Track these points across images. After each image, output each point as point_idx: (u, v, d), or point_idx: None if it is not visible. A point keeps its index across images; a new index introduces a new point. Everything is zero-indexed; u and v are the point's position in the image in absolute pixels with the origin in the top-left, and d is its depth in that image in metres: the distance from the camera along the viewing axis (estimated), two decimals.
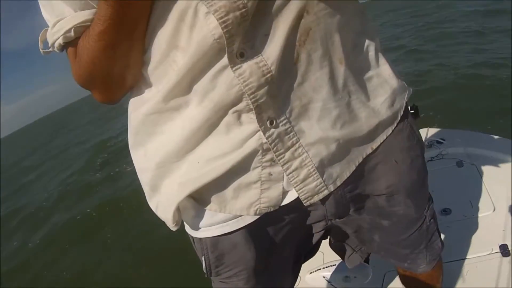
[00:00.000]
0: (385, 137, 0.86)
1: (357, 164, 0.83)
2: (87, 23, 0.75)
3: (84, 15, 0.76)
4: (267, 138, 0.74)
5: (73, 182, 9.18)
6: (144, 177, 0.86)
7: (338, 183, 0.81)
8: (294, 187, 0.78)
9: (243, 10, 0.67)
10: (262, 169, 0.77)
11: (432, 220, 1.01)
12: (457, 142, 2.41)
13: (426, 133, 2.54)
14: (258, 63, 0.70)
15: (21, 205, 9.23)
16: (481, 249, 1.65)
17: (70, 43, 0.79)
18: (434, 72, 7.03)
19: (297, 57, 0.73)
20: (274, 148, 0.75)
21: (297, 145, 0.76)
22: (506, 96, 4.78)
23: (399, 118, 0.88)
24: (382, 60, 0.87)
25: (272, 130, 0.74)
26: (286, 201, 0.80)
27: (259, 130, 0.73)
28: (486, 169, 2.11)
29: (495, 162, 2.13)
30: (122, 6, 0.68)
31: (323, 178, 0.79)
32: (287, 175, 0.77)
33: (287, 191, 0.80)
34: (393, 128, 0.87)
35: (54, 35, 0.79)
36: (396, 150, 0.88)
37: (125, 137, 0.95)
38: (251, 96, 0.71)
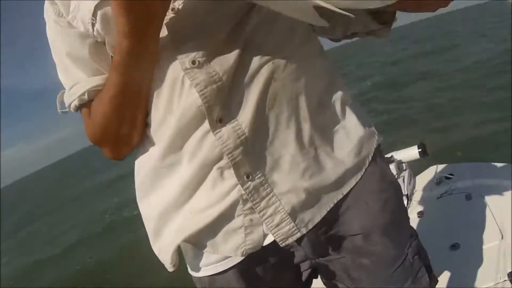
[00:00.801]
0: (354, 183, 0.94)
1: (328, 209, 0.92)
2: (99, 87, 0.90)
3: (97, 80, 0.91)
4: (244, 190, 0.85)
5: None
6: (149, 225, 0.98)
7: (310, 226, 0.90)
8: (270, 231, 0.88)
9: (219, 83, 0.81)
10: (244, 217, 0.88)
11: (416, 256, 1.03)
12: (465, 175, 2.48)
13: (436, 170, 2.64)
14: (234, 127, 0.82)
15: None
16: (490, 278, 1.69)
17: (84, 105, 0.93)
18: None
19: (266, 119, 0.85)
20: (251, 198, 0.86)
21: (270, 195, 0.86)
22: None
23: (367, 164, 0.96)
24: (349, 112, 0.96)
25: (249, 183, 0.85)
26: (266, 242, 0.90)
27: (237, 184, 0.85)
28: (494, 199, 2.17)
29: (502, 190, 2.17)
30: (129, 75, 0.83)
31: (295, 223, 0.88)
32: (264, 221, 0.87)
33: (267, 234, 0.90)
34: (362, 173, 0.95)
35: (71, 97, 0.93)
36: (366, 193, 0.95)
37: None
38: (229, 156, 0.83)
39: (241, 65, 0.83)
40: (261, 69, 0.84)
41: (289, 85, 0.87)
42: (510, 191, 2.13)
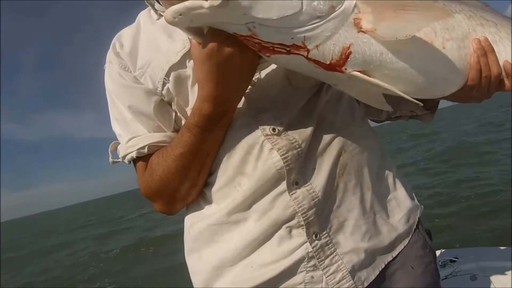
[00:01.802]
0: (402, 247, 1.03)
1: (380, 270, 0.99)
2: (160, 144, 0.95)
3: (158, 136, 0.96)
4: (312, 248, 0.91)
5: None
6: (197, 279, 1.00)
7: (366, 284, 0.96)
8: (331, 287, 0.92)
9: (299, 149, 0.91)
10: (306, 273, 0.92)
11: None
12: (469, 258, 2.53)
13: (440, 254, 2.68)
14: (308, 190, 0.91)
15: None
16: None
17: (141, 158, 0.97)
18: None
19: (336, 185, 0.95)
20: (317, 256, 0.92)
21: (334, 253, 0.93)
22: None
23: (413, 231, 1.06)
24: (398, 185, 1.08)
25: (316, 242, 0.92)
26: None
27: (306, 242, 0.91)
28: (498, 279, 2.22)
29: (505, 271, 2.24)
30: (203, 137, 0.88)
31: (354, 280, 0.94)
32: (326, 277, 0.92)
33: None
34: (409, 239, 1.05)
35: (128, 149, 0.96)
36: (412, 258, 1.04)
37: None
38: (303, 215, 0.90)
39: (315, 137, 0.94)
40: (332, 142, 0.95)
41: (356, 158, 0.98)
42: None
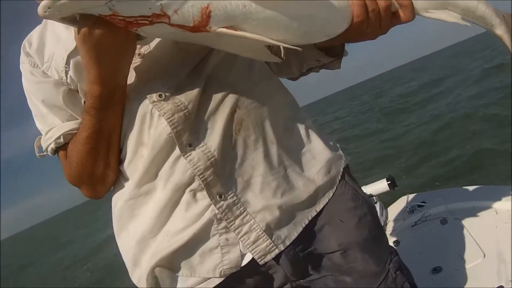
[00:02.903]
0: (327, 200, 0.99)
1: (303, 226, 0.95)
2: (74, 131, 0.97)
3: (71, 124, 0.98)
4: (218, 209, 0.89)
5: None
6: (127, 256, 0.99)
7: (287, 242, 0.93)
8: (247, 248, 0.90)
9: (185, 111, 0.90)
10: (219, 236, 0.91)
11: (398, 272, 1.04)
12: (438, 201, 2.45)
13: (406, 199, 2.58)
14: (203, 150, 0.89)
15: None
16: None
17: (60, 148, 1.00)
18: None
19: (234, 143, 0.93)
20: (225, 217, 0.90)
21: (244, 213, 0.91)
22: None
23: (337, 182, 1.02)
24: (314, 136, 1.04)
25: (222, 202, 0.89)
26: (245, 261, 0.92)
27: (211, 204, 0.89)
28: (470, 220, 2.14)
29: (477, 211, 2.18)
30: (101, 117, 0.90)
31: (272, 239, 0.91)
32: (240, 239, 0.90)
33: (245, 254, 0.91)
34: (333, 191, 1.00)
35: (47, 141, 0.99)
36: (340, 211, 1.00)
37: None
38: (201, 176, 0.89)
39: (205, 96, 0.93)
40: (224, 99, 0.94)
41: (254, 112, 0.96)
42: (487, 210, 2.14)
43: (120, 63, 0.88)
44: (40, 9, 0.73)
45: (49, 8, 0.73)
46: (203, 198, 0.91)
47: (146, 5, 0.74)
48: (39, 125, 1.05)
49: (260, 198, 0.93)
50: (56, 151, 1.02)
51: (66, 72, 0.97)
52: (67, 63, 0.97)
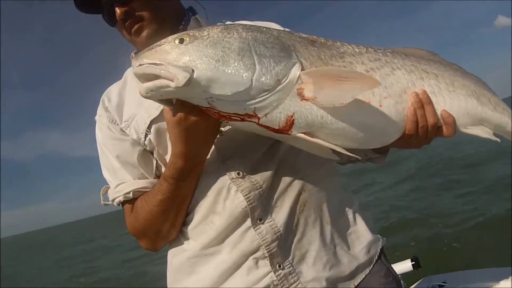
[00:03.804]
0: (364, 276, 1.14)
1: None
2: (144, 189, 1.09)
3: (142, 183, 1.10)
4: (276, 277, 1.04)
5: None
6: None
7: None
8: None
9: (260, 190, 1.04)
10: None
11: None
12: (458, 282, 2.58)
13: (427, 280, 2.73)
14: (271, 225, 1.04)
15: None
16: None
17: (127, 202, 1.12)
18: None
19: (297, 221, 1.07)
20: (281, 284, 1.04)
21: (297, 282, 1.05)
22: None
23: (374, 261, 1.17)
24: (359, 219, 1.19)
25: (280, 271, 1.04)
26: None
27: (271, 271, 1.03)
28: None
29: None
30: (178, 186, 1.01)
31: None
32: None
33: None
34: (370, 269, 1.15)
35: (116, 193, 1.11)
36: (374, 286, 1.15)
37: None
38: (267, 247, 1.03)
39: (276, 178, 1.06)
40: (293, 182, 1.07)
41: (315, 195, 1.10)
42: None
43: (205, 144, 0.99)
44: (142, 90, 0.83)
45: (152, 91, 0.82)
46: (264, 266, 1.03)
47: (242, 106, 0.84)
48: (108, 176, 1.14)
49: (312, 270, 1.05)
50: (122, 204, 1.12)
51: (146, 135, 1.08)
52: (149, 127, 1.08)
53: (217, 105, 0.85)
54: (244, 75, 0.83)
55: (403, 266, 2.73)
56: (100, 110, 1.16)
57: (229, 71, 0.83)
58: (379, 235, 1.24)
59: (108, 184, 1.15)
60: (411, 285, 2.77)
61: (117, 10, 1.06)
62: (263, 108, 0.85)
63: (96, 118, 1.16)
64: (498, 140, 1.05)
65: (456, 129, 1.03)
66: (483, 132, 1.05)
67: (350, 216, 1.18)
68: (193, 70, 0.81)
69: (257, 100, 0.85)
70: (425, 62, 1.08)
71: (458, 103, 1.03)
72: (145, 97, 0.85)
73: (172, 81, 0.80)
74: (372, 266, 1.16)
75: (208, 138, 0.98)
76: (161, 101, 0.88)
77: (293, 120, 0.87)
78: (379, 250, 1.20)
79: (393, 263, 2.71)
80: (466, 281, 2.55)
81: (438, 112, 1.02)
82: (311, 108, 0.87)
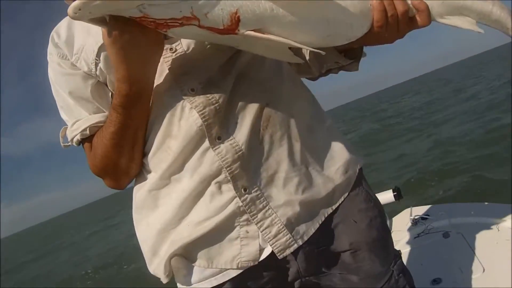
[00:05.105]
0: (342, 199, 1.02)
1: (320, 222, 0.99)
2: (100, 124, 1.00)
3: (97, 117, 1.01)
4: (242, 202, 0.92)
5: None
6: (146, 246, 1.02)
7: (305, 238, 0.96)
8: (268, 242, 0.93)
9: (216, 104, 0.93)
10: (240, 228, 0.94)
11: (401, 275, 1.08)
12: (441, 215, 2.49)
13: (410, 212, 2.62)
14: (232, 144, 0.92)
15: None
16: None
17: (86, 139, 1.03)
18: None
19: (261, 138, 0.95)
20: (248, 210, 0.93)
21: (267, 207, 0.94)
22: None
23: (352, 183, 1.05)
24: (334, 137, 1.07)
25: (246, 195, 0.92)
26: (263, 256, 0.94)
27: (236, 196, 0.92)
28: (472, 235, 2.19)
29: (479, 227, 2.22)
30: (128, 114, 0.93)
31: (292, 234, 0.94)
32: (261, 232, 0.93)
33: (263, 248, 0.94)
34: (349, 191, 1.04)
35: (73, 132, 1.03)
36: (354, 211, 1.03)
37: None
38: (228, 169, 0.91)
39: (235, 92, 0.96)
40: (255, 95, 0.96)
41: (281, 109, 0.99)
42: (488, 226, 2.18)
43: (148, 63, 0.90)
44: (70, 10, 0.75)
45: (79, 9, 0.74)
46: (228, 191, 0.93)
47: (177, 8, 0.76)
48: (64, 116, 1.07)
49: (283, 193, 0.95)
50: (81, 142, 1.04)
51: (96, 65, 0.99)
52: (98, 55, 0.99)
53: (150, 11, 0.76)
54: None
55: (384, 197, 2.61)
56: (50, 48, 1.05)
57: None
58: (357, 155, 1.12)
59: (67, 124, 1.06)
60: (393, 217, 2.67)
61: None
62: (202, 7, 0.76)
63: (47, 57, 1.07)
64: (482, 31, 0.94)
65: (431, 18, 0.93)
66: (463, 22, 0.94)
67: (323, 132, 1.07)
68: None
69: None
70: None
71: None
72: (74, 18, 0.75)
73: None
74: (350, 188, 1.05)
75: (151, 54, 0.89)
76: (93, 21, 0.80)
77: (238, 16, 0.77)
78: (357, 171, 1.08)
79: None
80: (450, 214, 2.45)
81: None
82: (258, 0, 0.76)
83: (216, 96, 0.94)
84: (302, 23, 0.82)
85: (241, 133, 0.94)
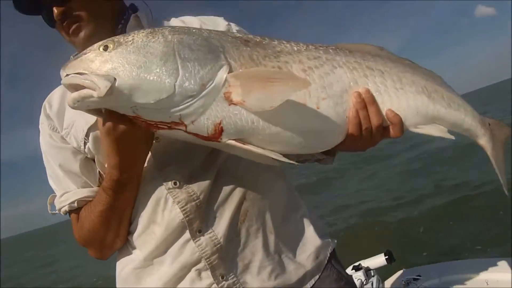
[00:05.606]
0: (313, 282, 1.11)
1: None
2: (88, 199, 1.07)
3: (85, 192, 1.08)
4: None
5: None
6: None
7: None
8: None
9: (197, 201, 1.00)
10: None
11: None
12: (432, 275, 2.58)
13: (402, 274, 2.73)
14: (211, 237, 1.01)
15: None
16: None
17: (73, 211, 1.10)
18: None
19: (238, 231, 1.04)
20: None
21: None
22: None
23: (324, 266, 1.14)
24: (307, 224, 1.16)
25: (223, 282, 1.02)
26: None
27: (214, 283, 1.01)
28: None
29: (469, 283, 2.32)
30: (116, 197, 1.00)
31: None
32: None
33: None
34: (319, 274, 1.12)
35: (61, 203, 1.09)
36: None
37: None
38: (207, 260, 1.00)
39: (215, 187, 1.03)
40: (233, 191, 1.04)
41: (257, 203, 1.06)
42: (477, 283, 2.29)
43: (138, 155, 0.97)
44: (69, 101, 0.81)
45: (78, 101, 0.80)
46: (207, 277, 1.01)
47: (167, 114, 0.82)
48: (53, 185, 1.13)
49: (257, 280, 1.03)
50: (68, 213, 1.10)
51: (85, 143, 1.06)
52: (87, 135, 1.06)
53: (142, 113, 0.83)
54: (166, 81, 0.80)
55: (376, 261, 2.73)
56: (42, 118, 1.14)
57: (151, 78, 0.80)
58: (329, 239, 1.21)
59: (55, 193, 1.13)
60: (385, 280, 2.78)
61: (55, 10, 1.05)
62: (189, 115, 0.82)
63: (39, 126, 1.15)
64: (453, 137, 1.00)
65: (404, 129, 0.98)
66: (435, 130, 1.00)
67: (296, 222, 1.16)
68: (115, 79, 0.79)
69: (181, 107, 0.81)
70: (371, 58, 1.02)
71: (406, 101, 0.98)
72: (73, 108, 0.82)
73: (95, 91, 0.78)
74: (321, 272, 1.13)
75: (141, 148, 0.96)
76: (90, 111, 0.87)
77: (222, 127, 0.83)
78: (328, 255, 1.17)
79: (366, 258, 2.76)
80: (440, 273, 2.56)
81: (384, 112, 0.97)
82: (241, 113, 0.84)
83: (197, 192, 1.01)
84: (280, 135, 0.87)
85: (220, 227, 1.02)
